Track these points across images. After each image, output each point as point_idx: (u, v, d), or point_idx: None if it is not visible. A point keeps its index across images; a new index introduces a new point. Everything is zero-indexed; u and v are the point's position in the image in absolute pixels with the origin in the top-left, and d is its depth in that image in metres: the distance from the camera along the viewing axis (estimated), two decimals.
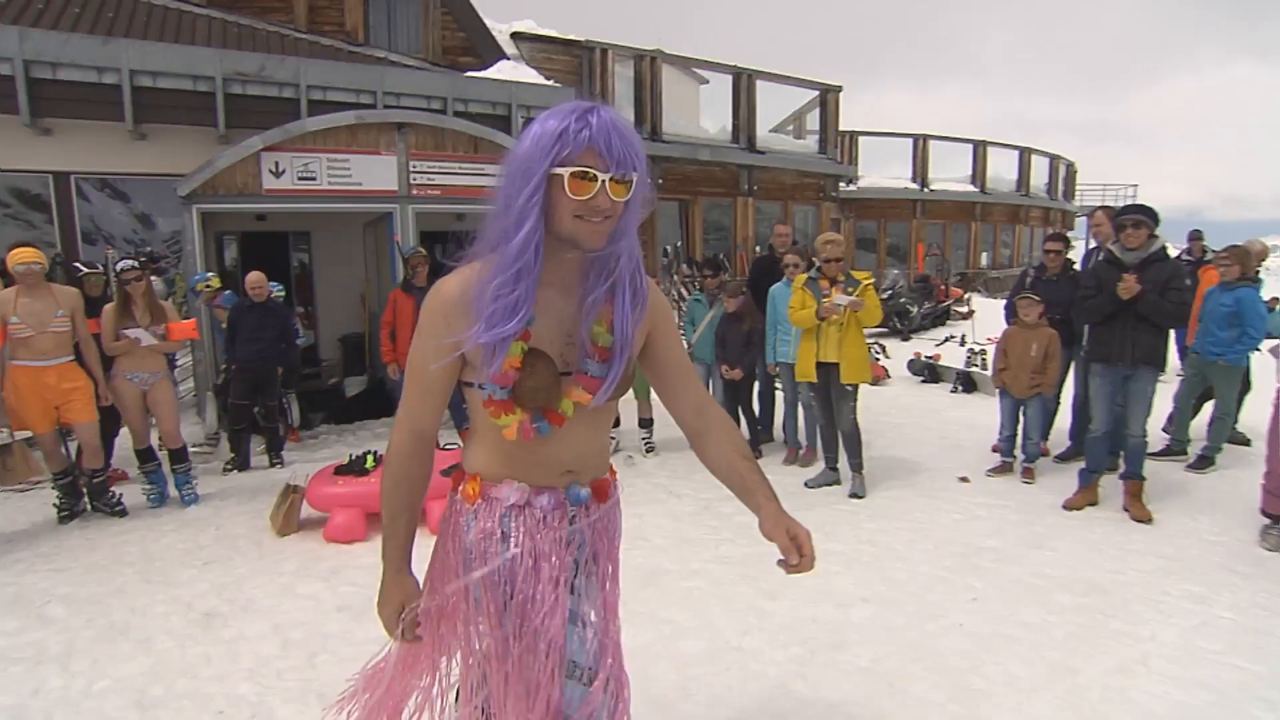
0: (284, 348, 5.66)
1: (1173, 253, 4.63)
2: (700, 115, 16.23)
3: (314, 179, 6.77)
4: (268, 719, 2.52)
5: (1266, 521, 3.89)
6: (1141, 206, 4.24)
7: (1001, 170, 20.35)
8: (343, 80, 8.07)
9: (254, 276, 5.62)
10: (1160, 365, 4.17)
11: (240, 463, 5.55)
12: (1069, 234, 9.02)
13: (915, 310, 11.78)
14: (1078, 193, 25.18)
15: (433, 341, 1.32)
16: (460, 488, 1.47)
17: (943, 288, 13.49)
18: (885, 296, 11.79)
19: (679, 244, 12.66)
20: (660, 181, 11.22)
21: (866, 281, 4.46)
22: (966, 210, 19.27)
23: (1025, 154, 20.80)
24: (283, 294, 5.91)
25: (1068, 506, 4.39)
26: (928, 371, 8.37)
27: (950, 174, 19.41)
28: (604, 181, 1.21)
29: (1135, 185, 27.46)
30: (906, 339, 11.24)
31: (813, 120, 15.36)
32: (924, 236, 18.31)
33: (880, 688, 2.62)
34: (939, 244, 18.40)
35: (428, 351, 1.34)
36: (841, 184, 15.83)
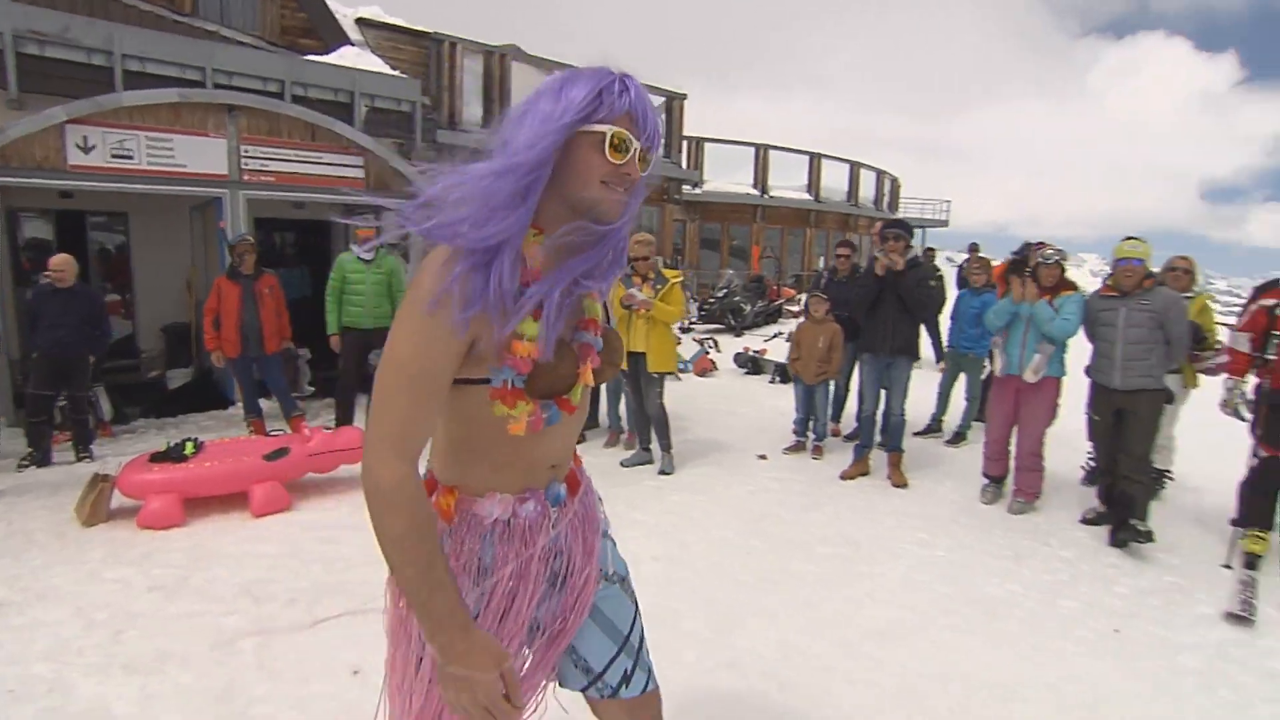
0: (93, 333, 5.37)
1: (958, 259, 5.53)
2: None
3: (131, 158, 6.41)
4: (67, 694, 2.55)
5: (985, 481, 4.78)
6: (899, 221, 5.07)
7: (835, 181, 22.16)
8: (165, 52, 7.57)
9: (58, 259, 5.29)
10: (914, 355, 4.97)
11: (40, 458, 5.21)
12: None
13: (749, 308, 12.71)
14: (901, 205, 27.78)
15: (448, 316, 1.06)
16: (434, 499, 1.26)
17: (775, 288, 14.61)
18: (720, 295, 12.65)
19: None
20: None
21: (674, 280, 4.96)
22: (802, 217, 20.84)
23: (855, 168, 22.74)
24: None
25: (844, 476, 5.13)
26: (751, 364, 9.17)
27: (789, 182, 20.89)
28: (636, 150, 1.13)
29: (949, 201, 30.15)
30: (739, 335, 12.12)
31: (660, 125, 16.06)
32: (763, 240, 19.64)
33: (653, 624, 3.01)
34: (775, 248, 19.79)
35: (438, 334, 1.07)
36: (686, 187, 16.67)
